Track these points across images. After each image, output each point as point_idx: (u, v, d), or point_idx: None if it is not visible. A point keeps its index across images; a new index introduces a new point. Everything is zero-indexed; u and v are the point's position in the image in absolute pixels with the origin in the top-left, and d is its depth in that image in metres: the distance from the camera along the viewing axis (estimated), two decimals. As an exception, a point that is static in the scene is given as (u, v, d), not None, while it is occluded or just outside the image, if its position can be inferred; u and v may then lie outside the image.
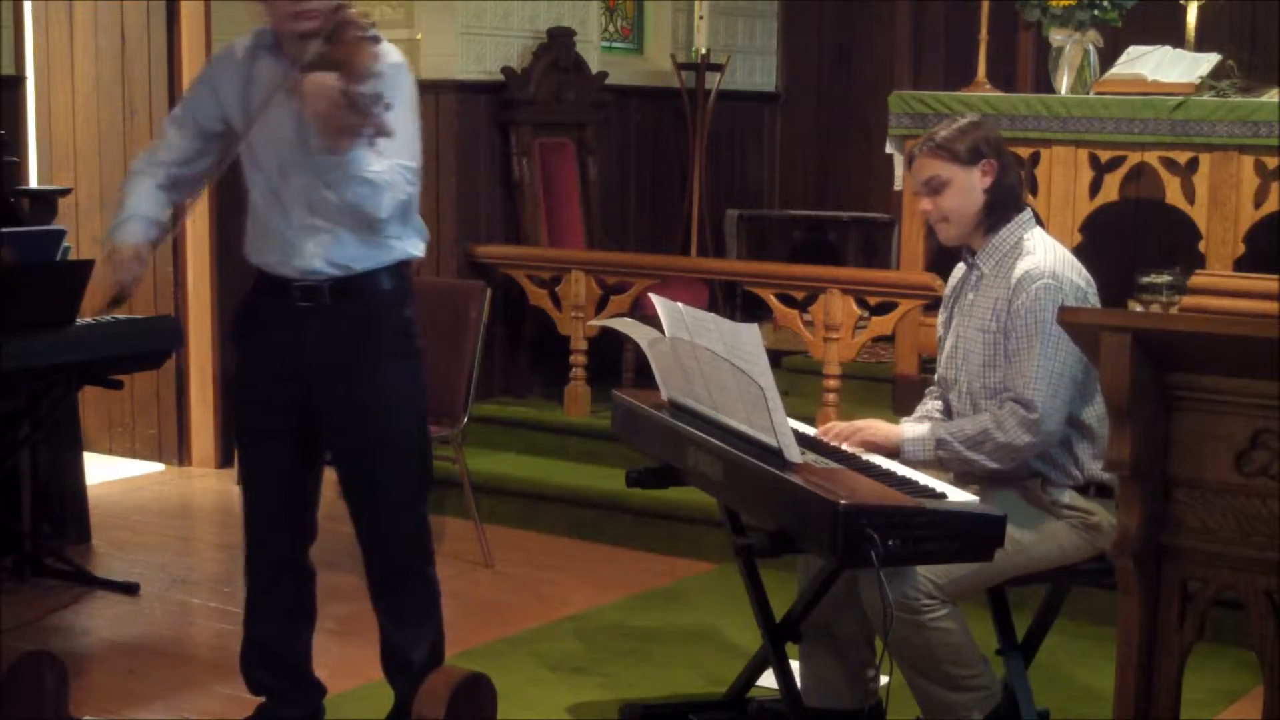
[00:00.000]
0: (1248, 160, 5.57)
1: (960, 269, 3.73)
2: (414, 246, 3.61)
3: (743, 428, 3.32)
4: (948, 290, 3.78)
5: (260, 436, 3.65)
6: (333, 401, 3.57)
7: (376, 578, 3.72)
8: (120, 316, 5.12)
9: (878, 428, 3.55)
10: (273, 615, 3.74)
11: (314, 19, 3.36)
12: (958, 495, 3.14)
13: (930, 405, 3.76)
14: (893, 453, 3.48)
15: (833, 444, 3.53)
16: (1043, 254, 3.49)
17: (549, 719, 4.03)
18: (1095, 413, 3.45)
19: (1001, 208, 3.57)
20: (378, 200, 3.38)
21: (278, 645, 3.75)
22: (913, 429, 3.51)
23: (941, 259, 6.04)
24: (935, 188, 3.57)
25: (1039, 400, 3.37)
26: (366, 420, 3.56)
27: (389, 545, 3.67)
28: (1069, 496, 3.48)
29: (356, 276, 3.52)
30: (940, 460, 3.47)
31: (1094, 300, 3.51)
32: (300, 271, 3.51)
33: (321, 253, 3.49)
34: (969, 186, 3.55)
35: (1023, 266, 3.47)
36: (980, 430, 3.43)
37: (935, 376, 3.80)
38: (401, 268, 3.60)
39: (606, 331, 5.72)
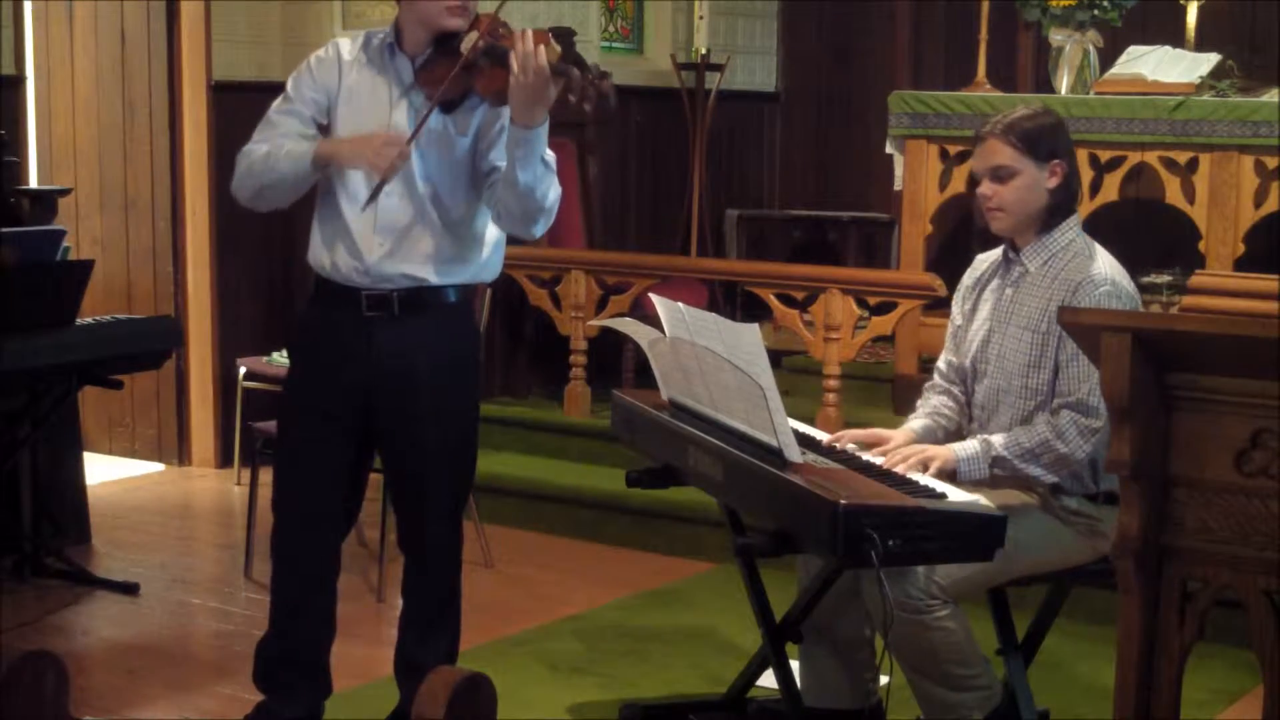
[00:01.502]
0: (1248, 160, 5.57)
1: (987, 259, 3.68)
2: (488, 272, 3.63)
3: (743, 428, 3.31)
4: (970, 279, 3.70)
5: (317, 445, 3.60)
6: (394, 412, 3.56)
7: (410, 581, 3.72)
8: (120, 316, 5.13)
9: (931, 450, 3.42)
10: (314, 618, 3.72)
11: (467, 14, 3.42)
12: (958, 495, 3.13)
13: (936, 401, 3.68)
14: (949, 475, 3.36)
15: (888, 464, 3.39)
16: (1100, 260, 3.46)
17: (549, 719, 4.03)
18: None
19: (1061, 210, 3.51)
20: (547, 187, 3.39)
21: (312, 646, 3.73)
22: (963, 448, 3.41)
23: (941, 259, 6.05)
24: (1001, 176, 3.48)
25: (1102, 407, 3.27)
26: (427, 432, 3.56)
27: (427, 551, 3.67)
28: (1077, 503, 3.46)
29: (427, 289, 3.51)
30: (994, 477, 3.39)
31: (1141, 307, 3.49)
32: (373, 279, 3.49)
33: (400, 261, 3.47)
34: (1035, 184, 3.47)
35: (1083, 271, 3.42)
36: (1039, 442, 3.36)
37: (940, 365, 3.73)
38: (470, 288, 3.62)
39: (606, 331, 5.72)
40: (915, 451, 3.41)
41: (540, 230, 3.50)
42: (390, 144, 3.36)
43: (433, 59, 3.45)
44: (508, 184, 3.37)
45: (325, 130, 3.56)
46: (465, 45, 3.39)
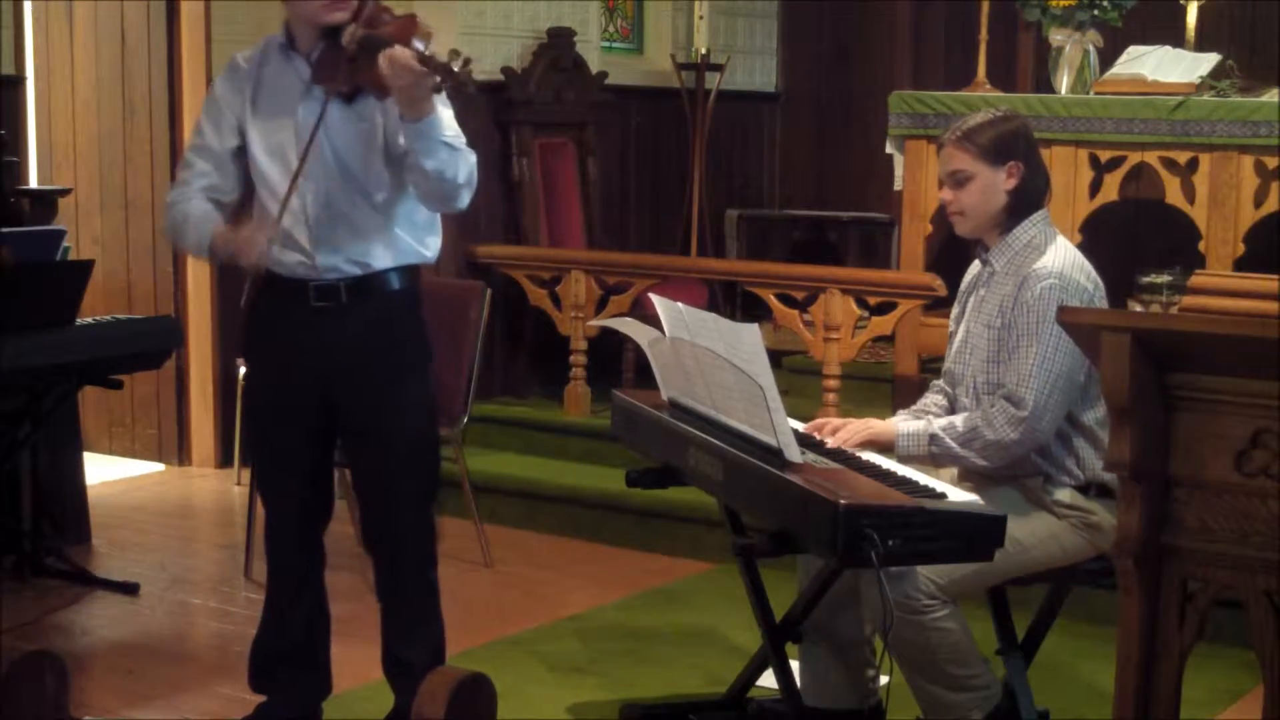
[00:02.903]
0: (1248, 160, 5.57)
1: (976, 265, 3.72)
2: (429, 251, 3.63)
3: (743, 428, 3.32)
4: (963, 286, 3.76)
5: (279, 442, 3.63)
6: (349, 403, 3.57)
7: (382, 579, 3.73)
8: (120, 316, 5.12)
9: (873, 425, 3.56)
10: (302, 618, 3.74)
11: (347, 9, 3.42)
12: (958, 495, 3.14)
13: (929, 399, 3.75)
14: (887, 448, 3.48)
15: (828, 441, 3.53)
16: (1053, 254, 3.48)
17: (549, 719, 4.03)
18: (1098, 414, 3.45)
19: (1023, 209, 3.55)
20: (456, 165, 3.42)
21: (303, 641, 3.75)
22: (907, 425, 3.52)
23: (941, 259, 6.05)
24: (959, 181, 3.55)
25: (1030, 399, 3.37)
26: (382, 422, 3.57)
27: (397, 546, 3.67)
28: (1069, 496, 3.48)
29: (372, 275, 3.52)
30: (934, 456, 3.47)
31: (1100, 303, 3.51)
32: (318, 270, 3.51)
33: (336, 248, 3.49)
34: (992, 185, 3.52)
35: (1032, 265, 3.47)
36: (971, 427, 3.43)
37: (943, 370, 3.80)
38: (413, 270, 3.61)
39: (606, 331, 5.72)
40: (860, 425, 3.54)
41: (464, 203, 3.53)
42: (252, 237, 3.41)
43: (324, 54, 3.47)
44: (417, 171, 3.41)
45: (241, 153, 3.56)
46: (345, 39, 3.39)
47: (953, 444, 3.44)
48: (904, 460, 3.43)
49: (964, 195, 3.55)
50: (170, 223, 3.62)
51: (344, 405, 3.57)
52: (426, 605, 3.72)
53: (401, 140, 3.44)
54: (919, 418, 3.67)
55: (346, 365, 3.54)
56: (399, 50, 3.24)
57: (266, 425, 3.67)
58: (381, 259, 3.53)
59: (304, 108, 3.49)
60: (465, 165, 3.45)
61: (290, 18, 3.53)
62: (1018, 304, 3.45)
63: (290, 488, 3.66)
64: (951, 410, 3.69)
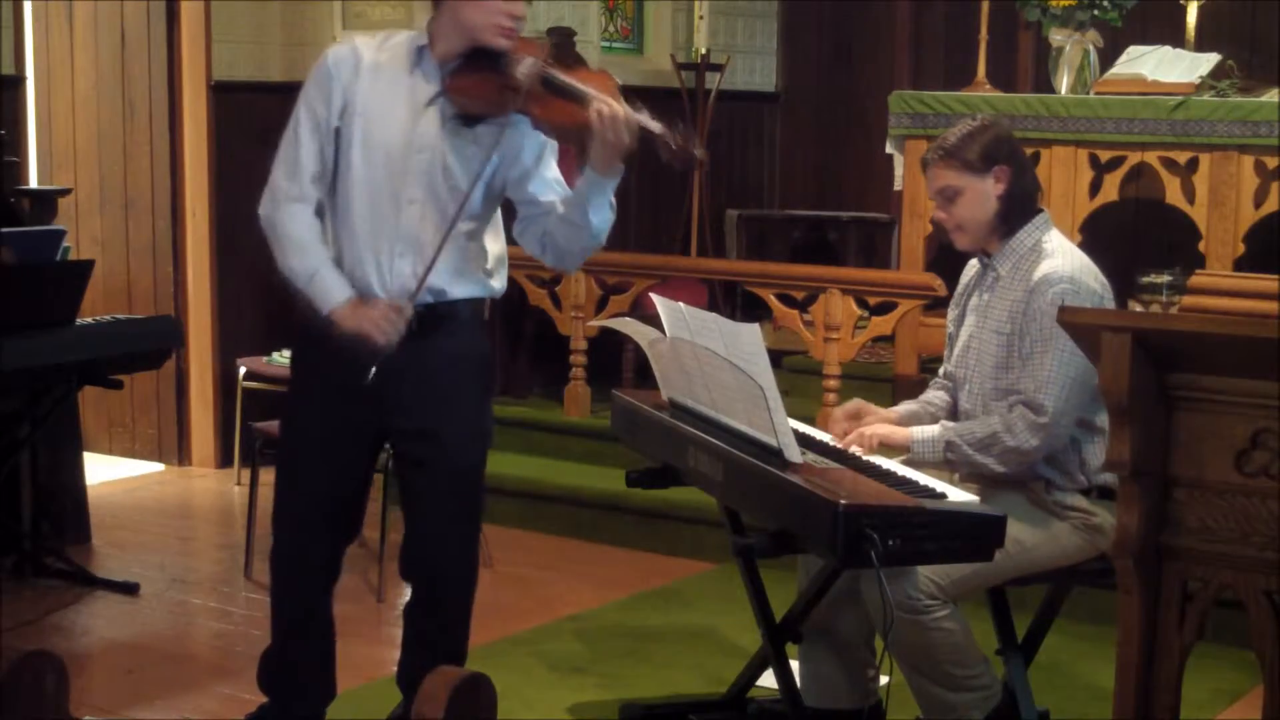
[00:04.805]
0: (1248, 160, 5.57)
1: (973, 266, 3.72)
2: (498, 285, 3.60)
3: (743, 428, 3.31)
4: (960, 288, 3.77)
5: (326, 458, 3.55)
6: (408, 428, 3.51)
7: (420, 599, 3.68)
8: (120, 316, 5.13)
9: (888, 430, 3.54)
10: (320, 629, 3.70)
11: (514, 39, 3.35)
12: (958, 495, 3.14)
13: (931, 395, 3.76)
14: (900, 450, 3.47)
15: (841, 443, 3.51)
16: (1062, 258, 3.48)
17: (549, 719, 4.03)
18: (1106, 417, 3.43)
19: (1017, 213, 3.55)
20: (609, 226, 3.42)
21: (318, 653, 3.72)
22: (922, 431, 3.50)
23: (941, 259, 6.05)
24: (949, 197, 3.55)
25: (1050, 405, 3.37)
26: (441, 449, 3.50)
27: (441, 570, 3.63)
28: (1072, 499, 3.48)
29: (442, 304, 3.46)
30: (949, 462, 3.47)
31: (1109, 305, 3.50)
32: (390, 293, 3.42)
33: (419, 276, 3.39)
34: (982, 195, 3.53)
35: (1042, 270, 3.46)
36: (990, 433, 3.42)
37: (941, 370, 3.80)
38: (481, 301, 3.58)
39: (606, 331, 5.72)
40: (875, 422, 3.54)
41: (579, 266, 3.57)
42: (391, 314, 3.34)
43: (466, 69, 3.37)
44: (571, 224, 3.38)
45: (339, 134, 3.42)
46: (521, 70, 3.30)
47: (970, 450, 3.43)
48: (916, 465, 3.41)
49: (957, 210, 3.56)
50: (281, 245, 3.45)
51: (400, 428, 3.51)
52: (458, 632, 3.68)
53: (531, 189, 3.42)
54: (926, 410, 3.68)
55: (409, 390, 3.47)
56: (618, 107, 3.21)
57: (318, 439, 3.56)
58: (454, 288, 3.47)
59: (425, 120, 3.38)
60: (610, 227, 3.45)
61: (440, 23, 3.39)
62: (1030, 310, 3.44)
63: (331, 500, 3.58)
64: (953, 409, 3.69)
